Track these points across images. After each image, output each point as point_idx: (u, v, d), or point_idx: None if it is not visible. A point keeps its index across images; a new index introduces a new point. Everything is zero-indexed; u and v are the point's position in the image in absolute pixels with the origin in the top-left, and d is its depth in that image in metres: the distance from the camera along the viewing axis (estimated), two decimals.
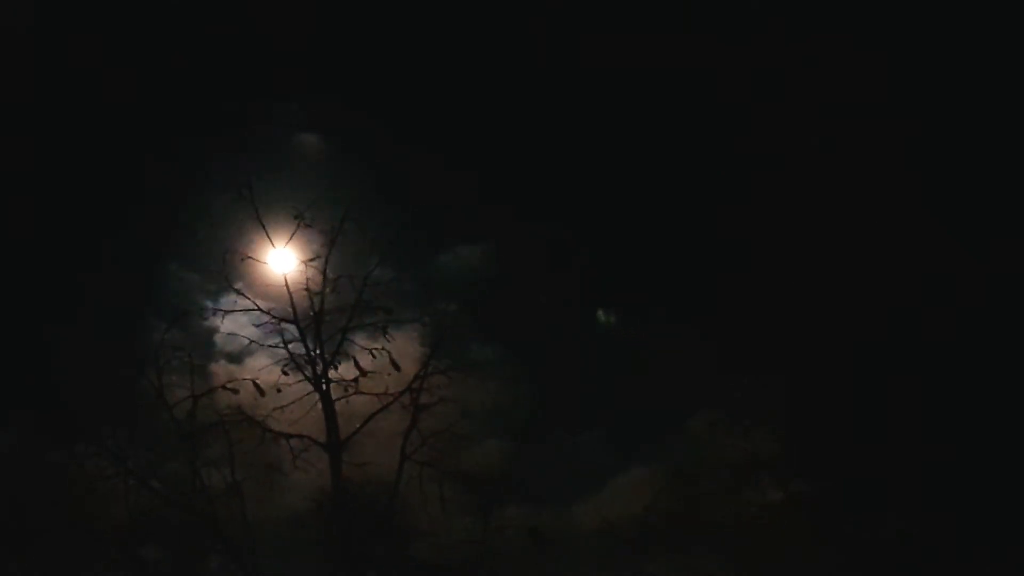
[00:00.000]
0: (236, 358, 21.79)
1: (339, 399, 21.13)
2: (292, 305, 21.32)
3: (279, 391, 21.03)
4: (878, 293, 20.86)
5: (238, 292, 21.37)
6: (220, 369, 21.75)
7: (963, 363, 20.41)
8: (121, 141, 22.89)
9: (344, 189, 22.01)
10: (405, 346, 21.44)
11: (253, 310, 21.39)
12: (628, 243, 23.23)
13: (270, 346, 21.41)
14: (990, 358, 20.61)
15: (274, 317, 21.32)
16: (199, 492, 20.44)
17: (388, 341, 21.34)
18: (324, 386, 21.06)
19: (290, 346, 21.35)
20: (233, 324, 21.53)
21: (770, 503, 20.75)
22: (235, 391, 21.01)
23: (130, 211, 22.42)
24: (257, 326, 21.48)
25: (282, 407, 20.96)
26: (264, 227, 21.38)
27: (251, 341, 21.53)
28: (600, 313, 23.95)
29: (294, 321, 21.29)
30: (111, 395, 20.86)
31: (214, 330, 21.87)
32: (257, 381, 21.16)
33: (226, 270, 21.28)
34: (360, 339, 21.45)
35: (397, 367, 21.23)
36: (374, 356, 21.20)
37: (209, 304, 21.62)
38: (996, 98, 21.86)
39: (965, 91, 22.02)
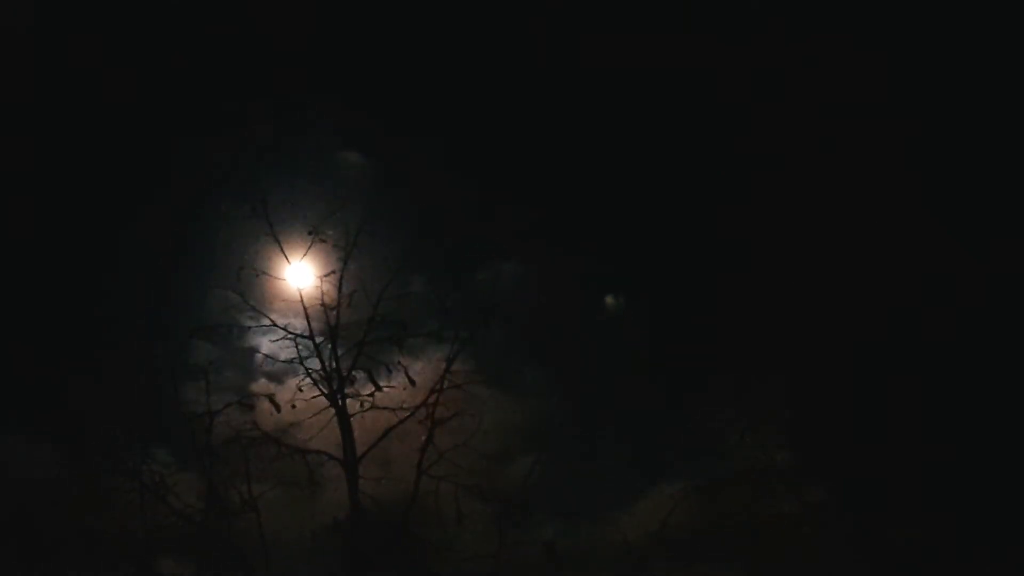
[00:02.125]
0: (276, 376, 21.76)
1: (355, 414, 21.05)
2: (308, 320, 21.32)
3: (294, 407, 20.99)
4: (878, 293, 20.89)
5: (254, 308, 21.35)
6: (260, 388, 21.69)
7: (963, 363, 20.43)
8: (122, 144, 22.81)
9: (360, 201, 22.02)
10: (440, 363, 21.35)
11: (269, 326, 21.43)
12: (627, 244, 23.24)
13: (285, 361, 21.49)
14: (990, 358, 20.65)
15: (290, 333, 21.29)
16: (216, 508, 20.40)
17: (403, 356, 21.38)
18: (340, 401, 21.01)
19: (313, 362, 21.34)
20: (275, 342, 21.55)
21: (786, 512, 20.70)
22: (251, 407, 21.00)
23: (147, 223, 22.29)
24: (273, 342, 21.53)
25: (299, 423, 20.97)
26: (279, 243, 21.31)
27: (266, 356, 21.63)
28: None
29: (309, 337, 21.26)
30: (132, 411, 20.82)
31: (255, 348, 21.95)
32: (274, 397, 21.18)
33: (241, 286, 21.23)
34: (385, 355, 21.44)
35: (412, 382, 21.21)
36: (390, 371, 21.17)
37: (250, 322, 21.53)
38: (996, 98, 21.88)
39: (965, 91, 22.04)
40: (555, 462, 21.58)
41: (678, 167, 22.97)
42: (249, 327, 21.46)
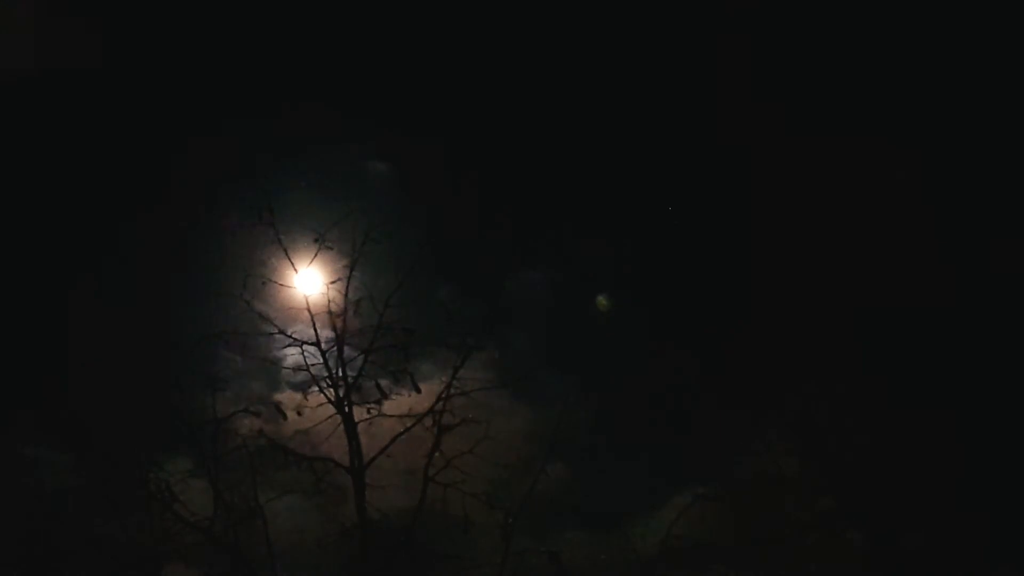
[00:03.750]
0: (302, 387, 21.52)
1: (362, 422, 20.94)
2: (314, 327, 21.19)
3: (299, 414, 20.93)
4: (888, 297, 20.97)
5: (260, 315, 21.12)
6: (285, 398, 21.63)
7: (972, 367, 20.54)
8: (125, 149, 22.80)
9: (368, 208, 21.90)
10: (466, 372, 21.21)
11: (275, 333, 21.21)
12: (642, 251, 23.28)
13: (300, 368, 21.33)
14: (990, 358, 20.76)
15: (296, 340, 21.12)
16: (223, 515, 20.33)
17: (411, 363, 21.28)
18: (347, 409, 20.92)
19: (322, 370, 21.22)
20: (288, 350, 21.38)
21: (796, 521, 20.77)
22: (257, 414, 20.93)
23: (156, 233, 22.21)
24: (280, 349, 21.37)
25: (309, 430, 20.87)
26: (286, 250, 21.17)
27: (285, 368, 21.54)
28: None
29: (316, 344, 21.13)
30: (143, 419, 20.76)
31: (279, 359, 21.74)
32: (280, 405, 21.16)
33: (248, 294, 21.04)
34: (395, 363, 21.29)
35: (418, 390, 21.16)
36: (398, 378, 21.14)
37: (262, 330, 21.32)
38: (996, 98, 21.97)
39: (965, 92, 22.13)
40: (570, 470, 21.71)
41: (693, 171, 23.05)
42: (270, 334, 21.26)
